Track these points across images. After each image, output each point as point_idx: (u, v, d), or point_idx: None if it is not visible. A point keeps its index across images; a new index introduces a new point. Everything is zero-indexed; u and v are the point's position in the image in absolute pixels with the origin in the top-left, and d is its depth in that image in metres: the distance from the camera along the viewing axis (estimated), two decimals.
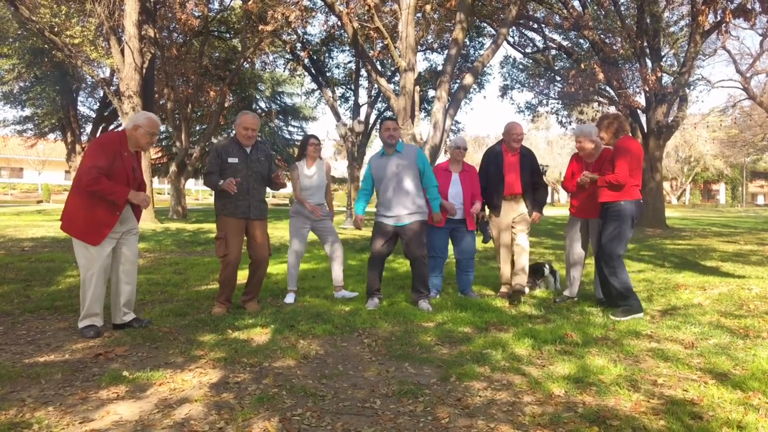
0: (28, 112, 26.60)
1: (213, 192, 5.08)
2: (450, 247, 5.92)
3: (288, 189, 5.75)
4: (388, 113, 25.66)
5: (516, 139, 5.68)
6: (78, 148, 25.32)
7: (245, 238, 5.05)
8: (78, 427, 2.56)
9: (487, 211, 5.90)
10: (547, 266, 6.29)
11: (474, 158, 62.85)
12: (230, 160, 4.90)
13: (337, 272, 5.73)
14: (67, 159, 27.03)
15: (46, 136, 29.31)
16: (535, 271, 6.23)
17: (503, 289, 5.89)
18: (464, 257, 5.80)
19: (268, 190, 5.31)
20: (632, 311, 4.77)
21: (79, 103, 26.32)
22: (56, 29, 14.89)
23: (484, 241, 5.97)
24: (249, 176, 4.92)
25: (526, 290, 5.76)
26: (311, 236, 5.80)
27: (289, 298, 5.49)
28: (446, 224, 5.67)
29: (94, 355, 3.60)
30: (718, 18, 16.29)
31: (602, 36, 18.23)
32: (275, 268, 7.53)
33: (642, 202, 5.01)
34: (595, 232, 5.40)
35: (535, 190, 5.72)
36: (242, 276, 5.27)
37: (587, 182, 5.14)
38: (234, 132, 5.09)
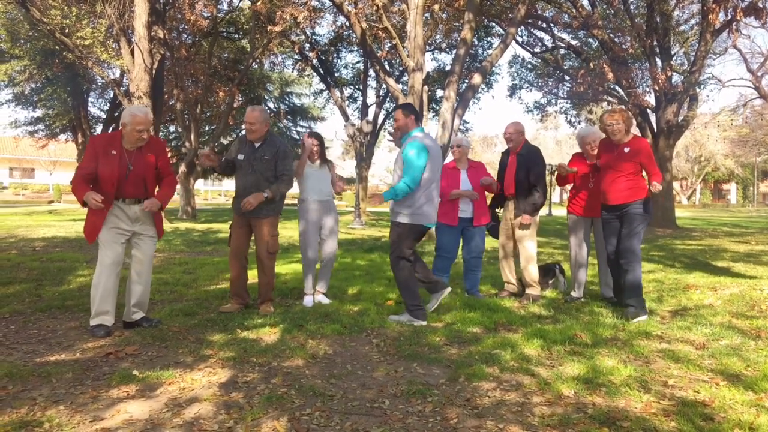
0: (39, 113, 26.75)
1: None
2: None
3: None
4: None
5: (508, 137, 5.69)
6: None
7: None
8: (88, 425, 2.58)
9: (501, 210, 5.92)
10: (557, 267, 6.29)
11: (482, 158, 62.78)
12: (239, 156, 4.86)
13: (324, 270, 5.54)
14: (77, 159, 27.21)
15: (57, 136, 29.46)
16: (546, 272, 6.22)
17: (506, 287, 5.87)
18: (472, 256, 5.78)
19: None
20: (641, 313, 4.77)
21: (89, 104, 26.44)
22: (67, 30, 14.99)
23: (492, 235, 5.95)
24: (249, 174, 4.82)
25: (538, 293, 5.72)
26: None
27: (307, 301, 5.31)
28: (459, 223, 5.66)
29: (105, 354, 3.62)
30: (729, 16, 16.18)
31: (611, 35, 18.11)
32: (283, 268, 7.55)
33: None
34: (601, 231, 5.39)
35: (523, 189, 5.52)
36: (252, 275, 5.29)
37: (595, 162, 5.21)
38: None
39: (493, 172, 6.08)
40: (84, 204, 4.03)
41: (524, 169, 5.52)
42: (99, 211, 4.09)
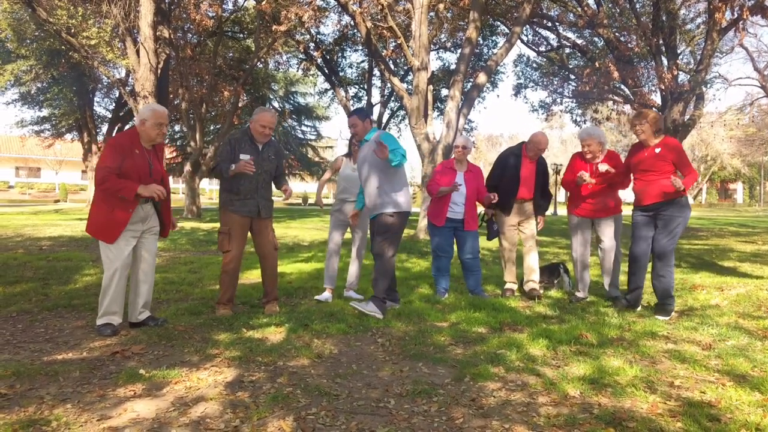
0: (45, 112, 26.89)
1: (220, 185, 5.05)
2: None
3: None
4: (401, 113, 25.69)
5: (541, 150, 5.76)
6: (94, 148, 25.56)
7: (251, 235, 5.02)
8: (96, 424, 2.59)
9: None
10: (561, 266, 6.28)
11: (487, 157, 62.61)
12: (241, 156, 4.82)
13: (352, 271, 5.74)
14: (83, 159, 27.33)
15: (63, 136, 29.60)
16: (551, 272, 6.22)
17: (508, 286, 5.88)
18: (468, 258, 5.78)
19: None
20: (672, 310, 4.90)
21: (95, 104, 26.56)
22: (73, 30, 15.05)
23: (489, 238, 6.00)
24: (258, 175, 4.83)
25: (539, 290, 5.74)
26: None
27: (324, 296, 5.48)
28: (448, 224, 5.68)
29: (111, 353, 3.64)
30: (736, 15, 16.05)
31: (617, 34, 18.03)
32: (288, 268, 7.56)
33: None
34: (607, 230, 5.42)
35: (542, 195, 5.85)
36: (256, 275, 5.29)
37: (608, 173, 5.21)
38: (249, 125, 4.95)
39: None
40: (134, 197, 3.98)
41: (543, 176, 5.84)
42: (125, 209, 4.04)
